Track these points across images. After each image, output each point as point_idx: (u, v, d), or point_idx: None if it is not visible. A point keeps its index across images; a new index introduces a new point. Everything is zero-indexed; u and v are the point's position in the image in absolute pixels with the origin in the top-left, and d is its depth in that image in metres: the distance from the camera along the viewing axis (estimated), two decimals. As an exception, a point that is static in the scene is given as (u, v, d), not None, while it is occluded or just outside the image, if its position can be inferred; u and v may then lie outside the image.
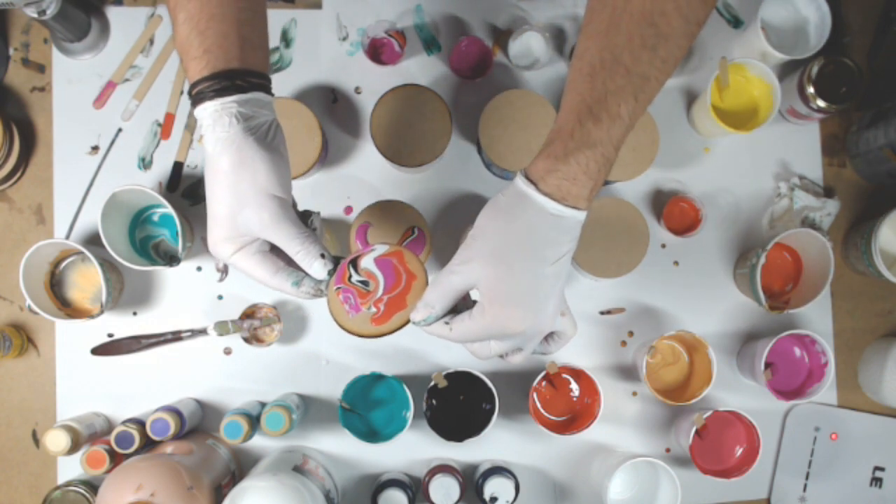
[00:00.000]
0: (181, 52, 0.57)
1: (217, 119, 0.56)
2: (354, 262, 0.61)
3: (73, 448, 0.81)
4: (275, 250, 0.61)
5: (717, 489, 0.92)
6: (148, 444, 0.83)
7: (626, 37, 0.53)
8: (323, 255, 0.60)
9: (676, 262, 0.94)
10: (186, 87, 0.61)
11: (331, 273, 0.60)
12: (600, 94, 0.53)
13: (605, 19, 0.54)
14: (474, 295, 0.58)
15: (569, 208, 0.54)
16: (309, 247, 0.59)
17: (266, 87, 0.59)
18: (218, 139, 0.56)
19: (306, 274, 0.61)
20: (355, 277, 0.61)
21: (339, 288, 0.61)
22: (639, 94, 0.54)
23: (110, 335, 0.90)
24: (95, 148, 0.92)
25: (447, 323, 0.58)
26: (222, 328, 0.85)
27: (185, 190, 0.92)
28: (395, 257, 0.61)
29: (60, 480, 0.89)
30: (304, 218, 0.63)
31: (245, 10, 0.58)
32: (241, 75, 0.57)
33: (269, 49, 0.61)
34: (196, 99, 0.57)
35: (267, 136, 0.58)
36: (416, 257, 0.62)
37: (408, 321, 0.60)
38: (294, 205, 0.62)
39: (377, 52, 0.91)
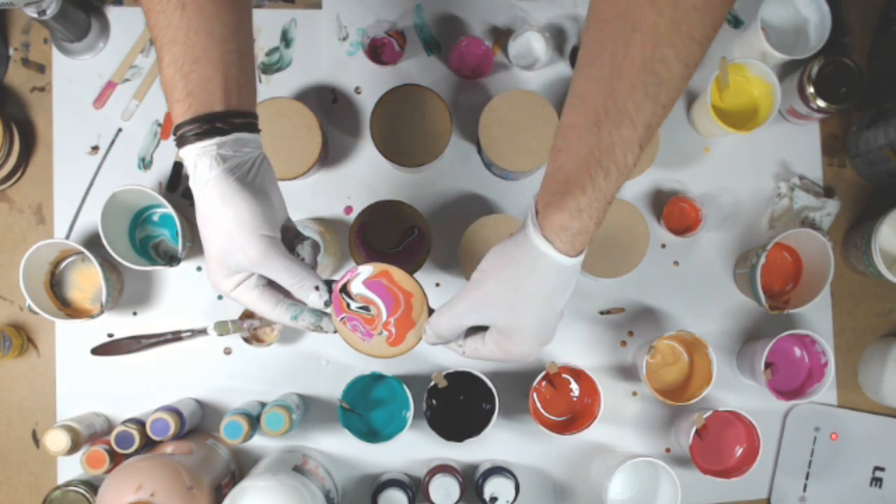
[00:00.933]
0: (166, 93, 0.58)
1: (199, 162, 0.56)
2: (345, 289, 0.62)
3: (73, 448, 0.81)
4: (273, 283, 0.62)
5: (717, 489, 0.92)
6: (148, 444, 0.83)
7: (629, 86, 0.53)
8: (317, 287, 0.61)
9: (676, 262, 0.94)
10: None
11: (327, 303, 0.62)
12: (607, 145, 0.54)
13: (606, 65, 0.53)
14: None
15: (578, 256, 0.57)
16: (303, 280, 0.60)
17: (251, 125, 0.59)
18: (200, 182, 0.57)
19: (304, 307, 0.62)
20: (354, 305, 0.62)
21: (343, 318, 0.62)
22: (643, 142, 0.55)
23: (110, 335, 0.90)
24: (95, 148, 0.92)
25: (460, 346, 0.63)
26: (222, 328, 0.85)
27: (186, 190, 0.92)
28: (383, 278, 0.62)
29: (60, 480, 0.89)
30: (299, 241, 0.63)
31: (231, 52, 0.58)
32: (222, 118, 0.57)
33: (257, 87, 0.62)
34: (179, 141, 0.57)
35: (248, 175, 0.58)
36: (404, 273, 0.62)
37: (421, 338, 0.63)
38: (292, 229, 0.63)
39: (377, 52, 0.91)
